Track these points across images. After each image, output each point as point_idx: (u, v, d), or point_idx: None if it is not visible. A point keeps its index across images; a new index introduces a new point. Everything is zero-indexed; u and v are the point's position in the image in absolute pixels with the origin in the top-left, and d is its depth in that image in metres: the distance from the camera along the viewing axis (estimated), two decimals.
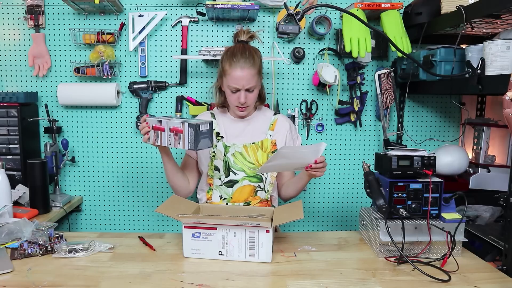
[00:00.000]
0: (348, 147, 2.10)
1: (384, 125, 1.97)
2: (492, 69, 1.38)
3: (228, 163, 1.50)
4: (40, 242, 1.20)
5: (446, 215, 1.23)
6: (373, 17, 1.93)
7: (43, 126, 1.96)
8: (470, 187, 1.90)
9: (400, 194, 1.23)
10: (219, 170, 1.51)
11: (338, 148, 2.09)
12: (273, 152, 1.51)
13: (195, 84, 2.00)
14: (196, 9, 1.92)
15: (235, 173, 1.50)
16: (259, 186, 1.52)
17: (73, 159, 1.98)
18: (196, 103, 1.97)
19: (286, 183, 1.59)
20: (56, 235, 1.26)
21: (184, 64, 1.97)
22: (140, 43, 1.93)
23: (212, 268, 1.14)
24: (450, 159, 1.84)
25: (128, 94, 1.98)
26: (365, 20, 1.67)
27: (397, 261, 1.17)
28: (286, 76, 2.03)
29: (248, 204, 1.50)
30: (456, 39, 1.57)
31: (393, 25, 1.80)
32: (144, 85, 1.95)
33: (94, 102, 1.93)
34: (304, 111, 2.04)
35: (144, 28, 1.90)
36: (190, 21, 1.94)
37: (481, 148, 1.95)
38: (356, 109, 2.00)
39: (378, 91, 1.96)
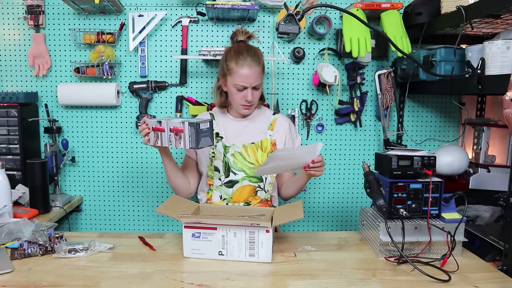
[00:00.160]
0: (348, 147, 2.10)
1: (384, 125, 1.97)
2: (492, 69, 1.38)
3: (227, 164, 1.50)
4: (40, 242, 1.20)
5: (446, 215, 1.22)
6: (373, 17, 1.93)
7: (43, 126, 1.96)
8: (470, 187, 1.90)
9: (400, 194, 1.23)
10: (219, 171, 1.51)
11: (338, 148, 2.09)
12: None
13: (195, 84, 2.00)
14: (196, 9, 1.92)
15: (235, 173, 1.50)
16: (259, 186, 1.52)
17: (73, 159, 1.98)
18: (196, 103, 1.97)
19: (286, 183, 1.59)
20: (56, 235, 1.26)
21: (184, 64, 1.97)
22: (140, 43, 1.93)
23: (212, 268, 1.14)
24: (450, 159, 1.84)
25: (128, 94, 1.99)
26: (365, 20, 1.67)
27: (397, 261, 1.17)
28: (286, 76, 2.03)
29: (248, 204, 1.50)
30: (456, 39, 1.56)
31: (393, 25, 1.80)
32: (144, 85, 1.95)
33: (94, 102, 1.93)
34: (304, 111, 2.04)
35: (144, 28, 1.90)
36: (190, 21, 1.94)
37: (481, 148, 1.95)
38: (356, 109, 2.00)
39: (378, 91, 1.96)
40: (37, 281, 1.03)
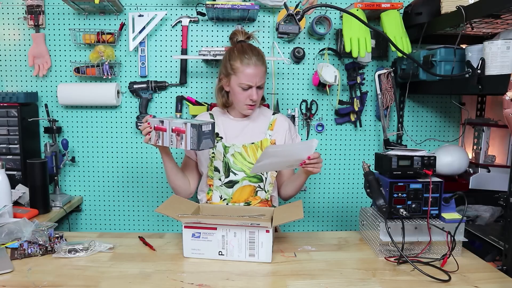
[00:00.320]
0: (348, 147, 2.10)
1: (384, 125, 1.97)
2: (492, 69, 1.38)
3: (227, 164, 1.50)
4: (40, 242, 1.20)
5: (446, 215, 1.23)
6: (373, 17, 1.93)
7: (43, 126, 1.96)
8: (470, 187, 1.90)
9: (400, 194, 1.23)
10: (218, 171, 1.51)
11: (338, 148, 2.09)
12: None
13: (195, 84, 2.00)
14: (196, 9, 1.92)
15: (235, 174, 1.50)
16: (259, 186, 1.52)
17: (73, 159, 1.98)
18: (196, 103, 1.97)
19: (285, 182, 1.59)
20: (56, 235, 1.26)
21: (184, 64, 1.97)
22: (140, 43, 1.93)
23: (212, 268, 1.14)
24: (450, 159, 1.84)
25: (128, 94, 1.99)
26: (365, 20, 1.67)
27: (397, 261, 1.17)
28: (286, 76, 2.03)
29: (248, 204, 1.50)
30: (456, 39, 1.56)
31: (393, 25, 1.80)
32: (144, 85, 1.95)
33: (94, 102, 1.93)
34: (304, 111, 2.04)
35: (144, 28, 1.90)
36: (190, 21, 1.94)
37: (481, 148, 1.95)
38: (356, 109, 2.00)
39: (378, 91, 1.96)
40: (37, 281, 1.03)
